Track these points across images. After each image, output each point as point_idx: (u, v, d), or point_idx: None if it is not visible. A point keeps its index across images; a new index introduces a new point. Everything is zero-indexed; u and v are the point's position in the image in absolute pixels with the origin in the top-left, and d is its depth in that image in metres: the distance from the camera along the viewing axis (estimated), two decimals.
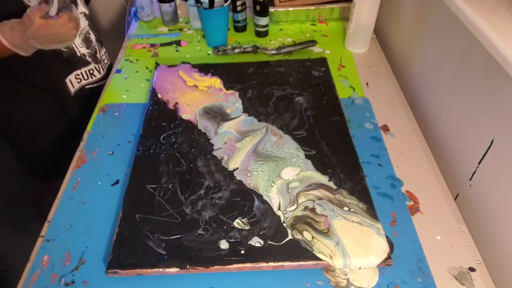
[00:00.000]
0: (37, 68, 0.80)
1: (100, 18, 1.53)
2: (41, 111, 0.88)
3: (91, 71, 0.90)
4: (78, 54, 0.85)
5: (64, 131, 0.94)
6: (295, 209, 0.57)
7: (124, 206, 0.59)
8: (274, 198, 0.59)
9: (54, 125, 0.92)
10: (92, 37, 0.89)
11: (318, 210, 0.57)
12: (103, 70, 0.93)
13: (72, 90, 0.88)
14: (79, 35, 0.84)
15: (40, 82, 0.83)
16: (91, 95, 0.92)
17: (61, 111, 0.90)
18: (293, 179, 0.61)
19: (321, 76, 0.81)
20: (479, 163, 0.60)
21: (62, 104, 0.89)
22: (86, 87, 0.91)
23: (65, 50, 0.82)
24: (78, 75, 0.87)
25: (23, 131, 0.90)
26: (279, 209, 0.57)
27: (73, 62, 0.85)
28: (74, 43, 0.83)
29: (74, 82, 0.87)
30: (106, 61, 0.96)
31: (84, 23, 0.86)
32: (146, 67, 0.91)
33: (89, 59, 0.88)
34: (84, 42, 0.86)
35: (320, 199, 0.58)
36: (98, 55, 0.91)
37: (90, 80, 0.90)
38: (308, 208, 0.57)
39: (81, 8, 0.86)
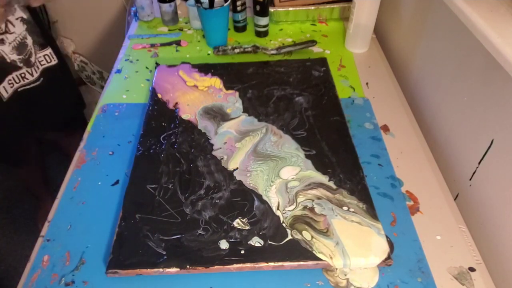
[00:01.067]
0: None
1: (100, 18, 1.53)
2: None
3: (22, 75, 0.90)
4: (8, 61, 0.86)
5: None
6: (294, 208, 0.57)
7: (124, 206, 0.59)
8: (273, 198, 0.59)
9: None
10: (29, 41, 0.89)
11: (317, 209, 0.57)
12: (36, 72, 0.94)
13: (5, 95, 0.89)
14: (10, 43, 0.85)
15: None
16: (26, 97, 0.94)
17: None
18: (292, 178, 0.61)
19: (321, 76, 0.81)
20: (479, 163, 0.60)
21: None
22: (19, 90, 0.92)
23: None
24: (10, 80, 0.88)
25: None
26: (278, 208, 0.57)
27: (3, 68, 0.86)
28: (3, 51, 0.84)
29: (7, 87, 0.88)
30: (44, 62, 0.96)
31: (20, 29, 0.87)
32: (146, 67, 0.91)
33: (20, 64, 0.89)
34: (16, 48, 0.86)
35: (319, 198, 0.58)
36: (32, 59, 0.92)
37: (22, 82, 0.91)
38: (307, 207, 0.57)
39: (19, 13, 0.86)
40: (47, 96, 1.00)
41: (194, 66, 0.85)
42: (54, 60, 0.99)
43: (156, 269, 0.51)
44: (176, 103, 0.76)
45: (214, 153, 0.66)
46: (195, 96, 0.78)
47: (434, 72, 0.75)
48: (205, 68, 0.85)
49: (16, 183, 1.49)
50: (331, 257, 0.51)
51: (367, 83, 0.84)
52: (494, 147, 0.57)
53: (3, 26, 0.82)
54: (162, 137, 0.69)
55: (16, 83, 0.90)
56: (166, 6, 1.01)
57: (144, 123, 0.72)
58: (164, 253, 0.52)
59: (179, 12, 1.07)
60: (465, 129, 0.65)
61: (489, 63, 0.57)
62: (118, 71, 0.90)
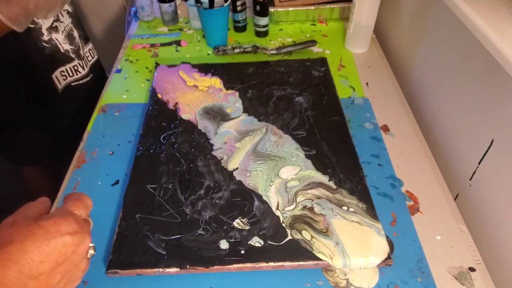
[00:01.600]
0: (20, 64, 0.81)
1: (100, 18, 1.53)
2: (20, 107, 0.88)
3: (75, 67, 0.91)
4: (62, 50, 0.86)
5: (46, 128, 0.95)
6: (293, 208, 0.57)
7: (124, 206, 0.59)
8: (273, 198, 0.59)
9: (35, 122, 0.92)
10: (76, 34, 0.91)
11: (317, 209, 0.57)
12: (86, 67, 0.95)
13: (59, 86, 0.89)
14: (62, 32, 0.86)
15: (23, 78, 0.84)
16: (77, 92, 0.94)
17: (46, 107, 0.90)
18: (292, 178, 0.61)
19: (321, 76, 0.81)
20: (479, 163, 0.60)
21: (48, 101, 0.89)
22: (72, 84, 0.92)
23: (47, 45, 0.83)
24: (63, 71, 0.88)
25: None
26: (277, 208, 0.57)
27: (57, 58, 0.86)
28: (57, 39, 0.85)
29: (60, 79, 0.88)
30: (90, 58, 0.97)
31: (67, 20, 0.88)
32: (146, 67, 0.91)
33: (73, 55, 0.90)
34: (67, 38, 0.88)
35: (318, 198, 0.58)
36: (81, 52, 0.93)
37: (75, 76, 0.92)
38: (307, 207, 0.57)
39: (65, 6, 0.87)
40: (93, 93, 0.99)
41: (194, 66, 0.85)
42: (96, 55, 1.00)
43: (156, 269, 0.51)
44: (176, 103, 0.76)
45: (214, 153, 0.66)
46: (195, 96, 0.78)
47: (434, 72, 0.75)
48: (205, 68, 0.85)
49: (16, 184, 1.49)
50: (331, 257, 0.51)
51: (367, 83, 0.84)
52: (494, 147, 0.57)
53: None
54: (162, 137, 0.69)
55: (70, 76, 0.90)
56: (166, 6, 1.01)
57: (144, 123, 0.72)
58: (164, 253, 0.52)
59: (179, 12, 1.07)
60: (465, 129, 0.65)
61: (489, 63, 0.57)
62: (118, 71, 0.90)
